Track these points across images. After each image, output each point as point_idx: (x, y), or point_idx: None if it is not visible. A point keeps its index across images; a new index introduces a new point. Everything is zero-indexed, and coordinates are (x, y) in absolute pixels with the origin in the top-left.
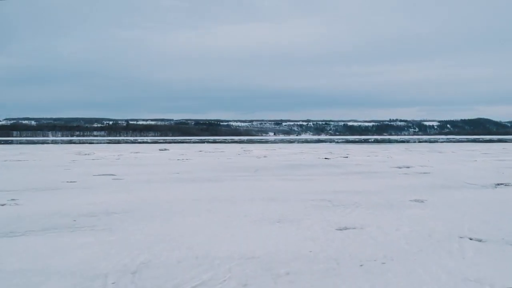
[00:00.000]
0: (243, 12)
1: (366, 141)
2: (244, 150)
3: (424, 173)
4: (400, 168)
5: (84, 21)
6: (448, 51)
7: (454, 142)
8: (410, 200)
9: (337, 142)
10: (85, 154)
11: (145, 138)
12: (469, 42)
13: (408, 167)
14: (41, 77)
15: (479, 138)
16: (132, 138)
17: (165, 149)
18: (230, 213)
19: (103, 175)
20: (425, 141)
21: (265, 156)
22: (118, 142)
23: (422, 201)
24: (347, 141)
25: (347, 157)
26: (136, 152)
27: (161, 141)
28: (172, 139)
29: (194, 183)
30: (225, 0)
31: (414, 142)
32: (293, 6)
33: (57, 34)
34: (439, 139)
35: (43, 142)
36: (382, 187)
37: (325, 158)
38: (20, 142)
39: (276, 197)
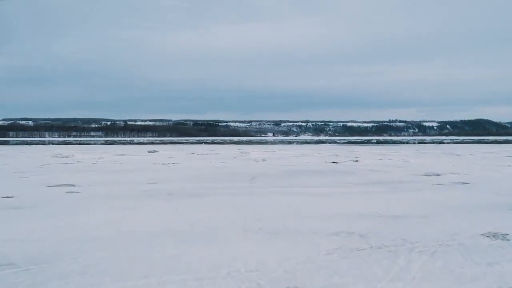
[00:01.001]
0: (242, 12)
1: (369, 142)
2: (241, 152)
3: (463, 183)
4: (428, 176)
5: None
6: (448, 52)
7: (460, 143)
8: (485, 235)
9: (339, 143)
10: (63, 157)
11: (141, 139)
12: (468, 43)
13: (437, 175)
14: (40, 77)
15: (483, 139)
16: (128, 139)
17: (154, 151)
18: (201, 266)
19: (58, 186)
20: (431, 142)
21: (263, 160)
22: (112, 143)
23: (505, 237)
24: (349, 142)
25: (357, 160)
26: (122, 155)
27: (158, 141)
28: (169, 140)
29: (167, 201)
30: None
31: (419, 143)
32: (293, 6)
33: (56, 34)
34: (443, 140)
35: (31, 143)
36: (425, 208)
37: (333, 162)
38: (8, 143)
39: (278, 227)
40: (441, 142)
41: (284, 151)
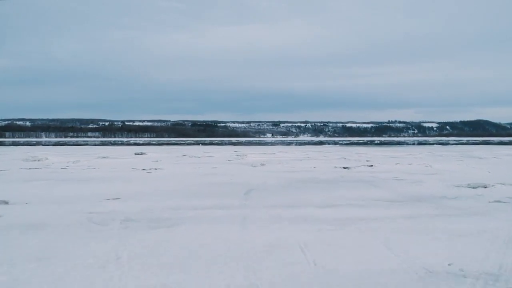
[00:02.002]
0: (240, 14)
1: (372, 143)
2: (238, 155)
3: None
4: (474, 188)
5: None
6: (447, 53)
7: (465, 144)
8: None
9: (341, 144)
10: (34, 160)
11: (137, 140)
12: (468, 44)
13: (484, 187)
14: (37, 78)
15: (489, 140)
16: (125, 140)
17: (142, 153)
18: None
19: None
20: (437, 143)
21: (262, 164)
22: (106, 144)
23: None
24: (352, 143)
25: (371, 165)
26: (104, 157)
27: (154, 142)
28: (166, 141)
29: (111, 237)
30: (222, 1)
31: (424, 144)
32: (290, 7)
33: (54, 35)
34: (448, 141)
35: (18, 144)
36: None
37: (344, 168)
38: None
39: None
40: (447, 143)
41: (284, 153)
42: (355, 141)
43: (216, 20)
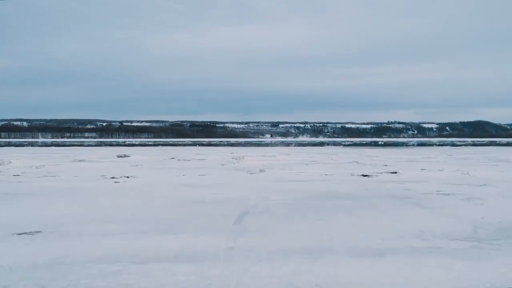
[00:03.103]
0: (239, 14)
1: (376, 144)
2: (233, 157)
3: None
4: None
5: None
6: (447, 53)
7: (475, 145)
8: None
9: (344, 145)
10: None
11: (133, 140)
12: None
13: None
14: (37, 78)
15: (495, 141)
16: (120, 140)
17: (125, 156)
18: None
19: None
20: (444, 145)
21: (261, 170)
22: (98, 144)
23: None
24: (355, 144)
25: (394, 172)
26: (80, 161)
27: (150, 143)
28: (162, 141)
29: None
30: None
31: (429, 145)
32: (290, 7)
33: (53, 35)
34: (454, 142)
35: (4, 145)
36: None
37: (364, 176)
38: None
39: None
40: (453, 145)
41: (286, 155)
42: (357, 142)
43: (216, 20)
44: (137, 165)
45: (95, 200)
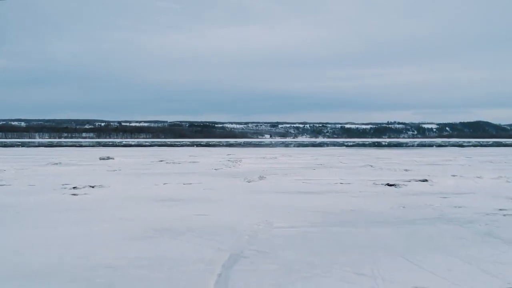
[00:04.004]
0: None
1: (380, 145)
2: (229, 160)
3: None
4: None
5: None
6: (446, 53)
7: (481, 146)
8: None
9: (347, 145)
10: None
11: (130, 141)
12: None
13: None
14: (35, 78)
15: (500, 142)
16: (117, 141)
17: (108, 158)
18: None
19: None
20: (451, 145)
21: (261, 177)
22: (92, 145)
23: None
24: (358, 145)
25: (425, 180)
26: (54, 164)
27: (147, 143)
28: (160, 142)
29: None
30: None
31: (439, 146)
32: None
33: (51, 35)
34: (460, 142)
35: None
36: None
37: (389, 185)
38: None
39: None
40: (460, 145)
41: (288, 157)
42: (360, 143)
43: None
44: (115, 170)
45: (18, 226)
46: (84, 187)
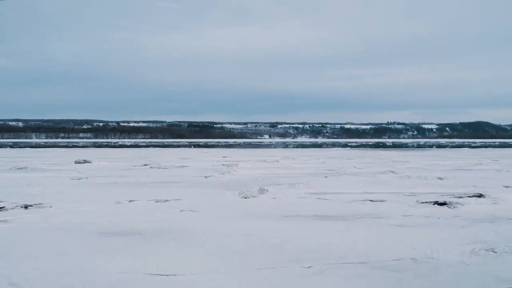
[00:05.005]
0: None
1: (385, 146)
2: (224, 164)
3: None
4: None
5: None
6: (446, 54)
7: (489, 147)
8: None
9: (351, 146)
10: None
11: (126, 141)
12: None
13: None
14: (35, 78)
15: (508, 142)
16: (113, 141)
17: (85, 162)
18: None
19: None
20: (457, 146)
21: (261, 191)
22: (85, 146)
23: None
24: (362, 145)
25: (480, 195)
26: (20, 168)
27: (143, 144)
28: (158, 142)
29: None
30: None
31: (448, 147)
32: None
33: (51, 35)
34: (470, 143)
35: None
36: None
37: (439, 204)
38: None
39: None
40: (469, 146)
41: (291, 159)
42: (364, 143)
43: (214, 21)
44: (81, 179)
45: None
46: (14, 208)
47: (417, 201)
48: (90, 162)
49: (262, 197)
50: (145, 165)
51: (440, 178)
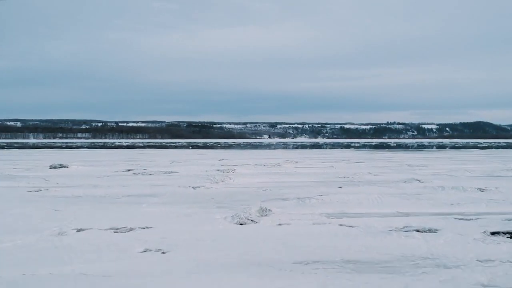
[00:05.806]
0: (234, 15)
1: (389, 146)
2: (219, 170)
3: None
4: None
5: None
6: (446, 54)
7: (501, 147)
8: None
9: (354, 146)
10: None
11: (123, 141)
12: (467, 46)
13: None
14: (32, 78)
15: (511, 143)
16: (110, 141)
17: (61, 166)
18: None
19: None
20: (465, 147)
21: (263, 211)
22: (80, 146)
23: None
24: (365, 146)
25: None
26: None
27: (140, 144)
28: (156, 142)
29: None
30: (216, 3)
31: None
32: (284, 9)
33: (48, 36)
34: (476, 143)
35: None
36: None
37: (503, 235)
38: None
39: None
40: (475, 146)
41: (294, 163)
42: (366, 144)
43: (211, 22)
44: (40, 191)
45: None
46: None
47: (484, 231)
48: (67, 167)
49: (263, 222)
50: (129, 170)
51: (481, 190)
